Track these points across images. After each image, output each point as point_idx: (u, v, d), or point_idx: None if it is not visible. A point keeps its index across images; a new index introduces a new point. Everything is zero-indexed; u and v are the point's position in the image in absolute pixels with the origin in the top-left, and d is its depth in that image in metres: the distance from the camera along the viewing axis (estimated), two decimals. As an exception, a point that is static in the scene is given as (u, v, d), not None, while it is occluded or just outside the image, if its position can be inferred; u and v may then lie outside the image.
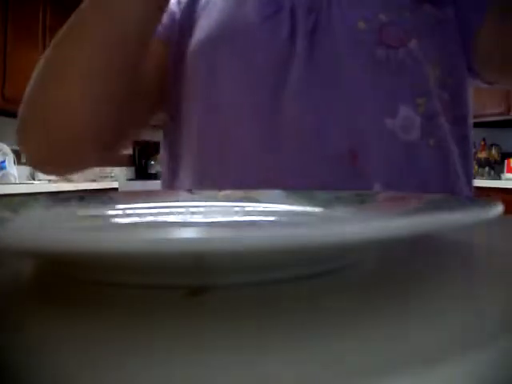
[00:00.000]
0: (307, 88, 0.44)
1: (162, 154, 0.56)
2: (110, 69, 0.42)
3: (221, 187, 0.33)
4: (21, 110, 0.44)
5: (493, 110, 3.04)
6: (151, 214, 0.28)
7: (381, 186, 0.42)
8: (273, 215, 0.28)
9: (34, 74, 0.43)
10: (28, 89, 0.44)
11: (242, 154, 0.45)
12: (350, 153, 0.43)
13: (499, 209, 0.16)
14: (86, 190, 2.38)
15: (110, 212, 0.28)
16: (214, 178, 0.46)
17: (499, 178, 3.10)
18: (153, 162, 3.34)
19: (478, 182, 2.99)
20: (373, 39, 0.44)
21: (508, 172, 3.06)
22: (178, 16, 0.52)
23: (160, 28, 0.49)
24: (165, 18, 0.50)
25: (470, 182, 0.50)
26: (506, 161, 3.11)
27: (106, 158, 0.52)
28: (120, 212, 0.28)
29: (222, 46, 0.47)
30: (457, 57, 0.47)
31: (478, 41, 0.46)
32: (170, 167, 0.53)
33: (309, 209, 0.27)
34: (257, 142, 0.44)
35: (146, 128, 0.57)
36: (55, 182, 2.64)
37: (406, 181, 0.43)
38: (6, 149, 2.51)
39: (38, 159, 0.48)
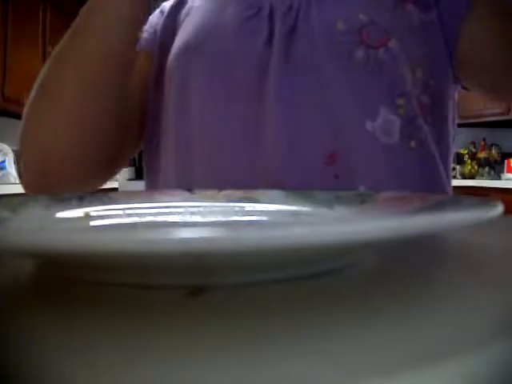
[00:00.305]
0: (286, 89, 0.43)
1: (144, 173, 0.56)
2: (108, 76, 0.42)
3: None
4: (22, 120, 0.44)
5: (493, 110, 3.04)
6: (151, 214, 0.28)
7: (363, 189, 0.42)
8: (273, 215, 0.28)
9: (36, 85, 0.43)
10: (28, 103, 0.43)
11: (227, 157, 0.44)
12: (331, 155, 0.42)
13: (499, 209, 0.16)
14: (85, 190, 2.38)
15: (110, 212, 0.28)
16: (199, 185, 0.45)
17: (499, 178, 3.11)
18: (153, 162, 3.33)
19: (478, 182, 2.99)
20: (352, 40, 0.43)
21: (508, 172, 3.07)
22: (159, 27, 0.52)
23: (143, 42, 0.49)
24: (146, 33, 0.50)
25: (449, 182, 0.50)
26: (506, 161, 3.12)
27: (108, 174, 0.51)
28: (120, 212, 0.28)
29: (198, 51, 0.46)
30: (440, 58, 0.47)
31: (458, 44, 0.46)
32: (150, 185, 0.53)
33: (309, 209, 0.27)
34: (240, 145, 0.44)
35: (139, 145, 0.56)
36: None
37: (389, 182, 0.43)
38: (6, 149, 2.51)
39: (40, 173, 0.45)
